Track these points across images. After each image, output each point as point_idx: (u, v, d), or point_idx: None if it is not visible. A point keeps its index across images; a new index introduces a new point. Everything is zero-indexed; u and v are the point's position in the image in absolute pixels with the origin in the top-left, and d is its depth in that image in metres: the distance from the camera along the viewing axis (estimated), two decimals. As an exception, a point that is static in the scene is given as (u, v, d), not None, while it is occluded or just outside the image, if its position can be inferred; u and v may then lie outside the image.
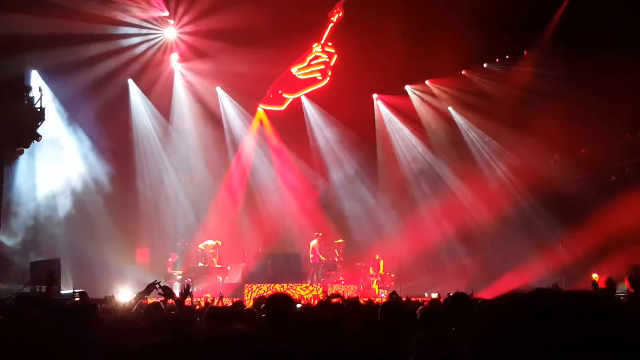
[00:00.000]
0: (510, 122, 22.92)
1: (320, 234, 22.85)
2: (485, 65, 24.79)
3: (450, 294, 7.79)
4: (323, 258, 22.46)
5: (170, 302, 8.43)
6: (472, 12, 20.66)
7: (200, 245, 21.94)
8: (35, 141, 18.69)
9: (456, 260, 23.74)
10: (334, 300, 9.28)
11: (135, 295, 8.03)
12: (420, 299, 17.79)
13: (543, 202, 23.20)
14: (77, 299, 11.71)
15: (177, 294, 10.61)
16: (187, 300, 8.59)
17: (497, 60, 24.67)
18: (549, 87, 21.84)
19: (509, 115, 22.96)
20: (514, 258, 22.17)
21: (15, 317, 6.24)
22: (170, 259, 21.92)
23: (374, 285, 22.20)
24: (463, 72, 24.97)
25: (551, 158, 24.08)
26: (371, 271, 22.59)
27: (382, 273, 22.34)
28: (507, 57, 24.50)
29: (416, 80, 25.46)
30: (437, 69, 24.72)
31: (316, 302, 10.22)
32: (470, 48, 22.60)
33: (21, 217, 20.28)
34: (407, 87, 25.74)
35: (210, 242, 22.02)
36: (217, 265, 21.75)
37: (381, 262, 22.51)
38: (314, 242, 22.61)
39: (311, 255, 22.47)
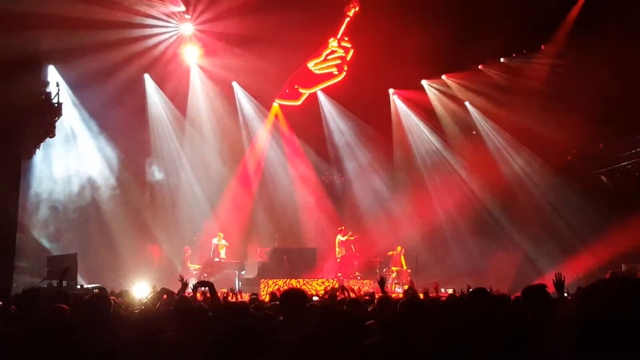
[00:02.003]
0: (527, 117, 22.74)
1: (343, 228, 22.91)
2: (502, 59, 24.59)
3: (471, 289, 7.75)
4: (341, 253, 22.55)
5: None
6: (490, 6, 20.57)
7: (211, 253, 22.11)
8: (48, 137, 18.80)
9: (470, 255, 23.61)
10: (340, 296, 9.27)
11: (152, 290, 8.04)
12: (437, 294, 17.75)
13: (560, 196, 23.03)
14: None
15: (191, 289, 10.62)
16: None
17: (514, 54, 24.46)
18: (566, 81, 21.65)
19: (526, 110, 22.77)
20: (529, 252, 22.18)
21: (25, 310, 6.27)
22: (186, 254, 21.99)
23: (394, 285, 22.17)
24: (480, 66, 24.79)
25: (569, 152, 23.90)
26: (392, 266, 22.55)
27: (404, 268, 22.28)
28: (524, 51, 24.30)
29: (432, 75, 25.33)
30: (453, 64, 24.63)
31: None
32: (486, 42, 22.51)
33: (39, 211, 20.39)
34: (424, 82, 25.61)
35: (214, 240, 22.16)
36: (234, 260, 21.85)
37: (402, 257, 22.45)
38: (339, 237, 22.66)
39: (337, 250, 22.53)
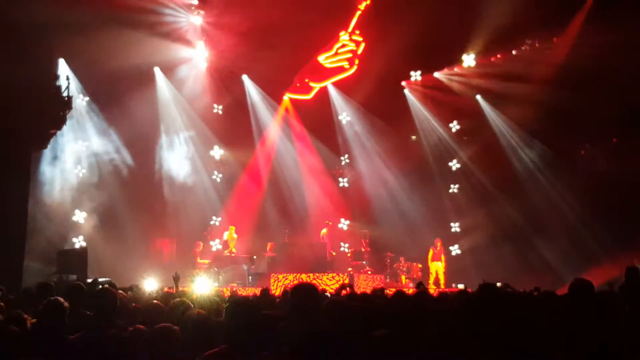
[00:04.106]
0: (539, 110, 22.59)
1: (331, 223, 22.93)
2: (514, 52, 24.37)
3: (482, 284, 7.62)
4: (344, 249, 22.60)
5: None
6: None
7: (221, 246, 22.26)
8: (58, 130, 18.84)
9: (478, 249, 23.47)
10: (344, 291, 9.24)
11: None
12: (447, 290, 17.69)
13: (571, 191, 22.87)
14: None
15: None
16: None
17: (527, 47, 24.24)
18: (579, 75, 21.46)
19: (538, 104, 22.61)
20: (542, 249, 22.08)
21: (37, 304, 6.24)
22: (197, 249, 21.95)
23: (402, 277, 22.07)
24: (492, 59, 24.60)
25: (582, 147, 23.74)
26: (430, 254, 22.40)
27: (444, 264, 22.08)
28: (536, 45, 24.11)
29: (444, 67, 25.18)
30: (463, 57, 24.56)
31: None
32: (499, 34, 22.41)
33: (49, 204, 20.40)
34: (436, 74, 25.42)
35: (225, 234, 22.22)
36: (244, 255, 21.86)
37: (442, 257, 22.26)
38: (324, 231, 22.69)
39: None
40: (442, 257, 22.29)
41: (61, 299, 5.72)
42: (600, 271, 19.04)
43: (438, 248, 22.40)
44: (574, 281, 6.26)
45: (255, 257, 22.25)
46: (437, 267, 22.16)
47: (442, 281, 21.74)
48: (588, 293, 6.07)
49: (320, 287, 14.82)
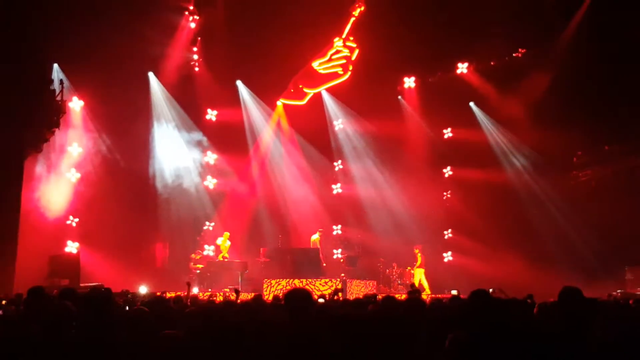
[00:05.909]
0: (531, 118, 22.70)
1: (322, 230, 22.94)
2: (507, 58, 24.50)
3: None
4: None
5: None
6: (497, 6, 20.73)
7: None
8: (52, 134, 18.84)
9: (469, 255, 23.53)
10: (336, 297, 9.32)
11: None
12: (440, 296, 17.73)
13: (564, 198, 22.95)
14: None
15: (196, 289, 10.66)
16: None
17: (520, 55, 24.37)
18: (571, 82, 21.59)
19: (530, 110, 22.73)
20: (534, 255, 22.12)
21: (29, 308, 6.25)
22: (194, 256, 21.91)
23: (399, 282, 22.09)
24: (485, 66, 24.70)
25: (574, 154, 23.85)
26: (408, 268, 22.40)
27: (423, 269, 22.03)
28: (530, 52, 24.23)
29: (438, 73, 25.28)
30: (458, 63, 24.66)
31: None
32: (492, 43, 22.54)
33: (42, 208, 20.34)
34: (430, 81, 25.49)
35: (219, 240, 22.24)
36: (237, 260, 21.82)
37: (419, 256, 22.16)
38: (315, 237, 22.67)
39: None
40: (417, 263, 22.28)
41: (70, 304, 5.72)
42: (593, 279, 19.20)
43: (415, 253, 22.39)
44: (564, 289, 6.28)
45: (248, 262, 22.20)
46: (419, 274, 22.17)
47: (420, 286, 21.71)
48: (578, 299, 6.09)
49: (320, 293, 14.83)
